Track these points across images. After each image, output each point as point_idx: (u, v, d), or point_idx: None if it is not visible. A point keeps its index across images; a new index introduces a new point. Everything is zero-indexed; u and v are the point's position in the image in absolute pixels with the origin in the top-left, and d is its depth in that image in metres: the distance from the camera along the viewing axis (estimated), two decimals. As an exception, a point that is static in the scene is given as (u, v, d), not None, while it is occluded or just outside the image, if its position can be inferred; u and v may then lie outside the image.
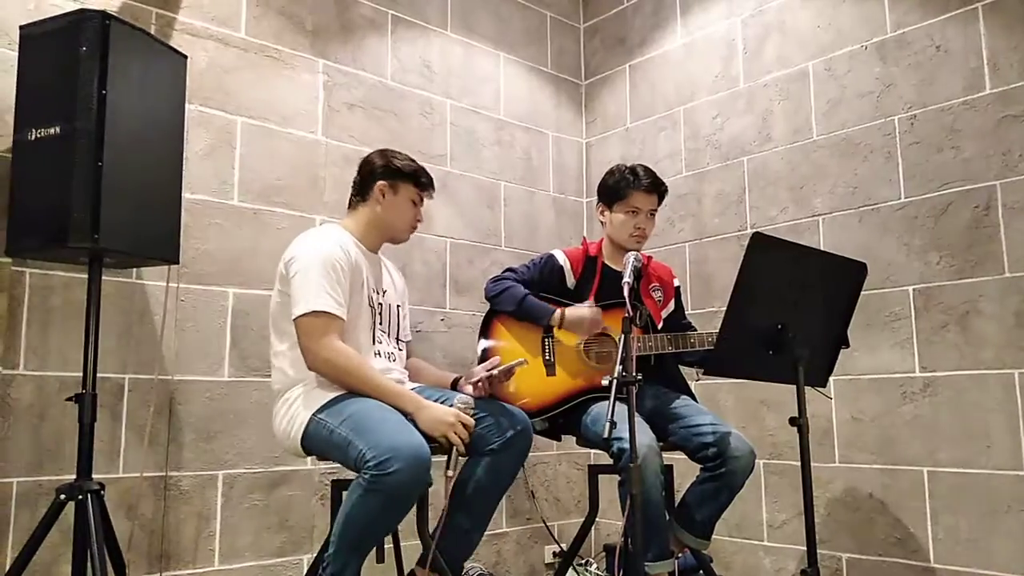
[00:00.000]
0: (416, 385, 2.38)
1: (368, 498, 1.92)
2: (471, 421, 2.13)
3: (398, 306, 2.49)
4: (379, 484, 1.88)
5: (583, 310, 2.52)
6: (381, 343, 2.36)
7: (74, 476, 2.16)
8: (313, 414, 2.13)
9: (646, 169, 2.65)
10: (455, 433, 2.09)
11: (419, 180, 2.42)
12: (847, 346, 2.36)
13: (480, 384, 2.31)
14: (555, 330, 2.56)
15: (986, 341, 2.73)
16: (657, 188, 2.64)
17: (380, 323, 2.38)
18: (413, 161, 2.44)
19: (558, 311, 2.52)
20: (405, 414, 2.10)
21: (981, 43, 2.82)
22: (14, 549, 2.32)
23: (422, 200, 2.45)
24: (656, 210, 2.67)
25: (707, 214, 3.61)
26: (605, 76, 4.17)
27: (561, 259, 2.66)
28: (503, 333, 2.60)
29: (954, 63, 2.88)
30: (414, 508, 2.10)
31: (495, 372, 2.31)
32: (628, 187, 2.61)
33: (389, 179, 2.38)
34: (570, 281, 2.65)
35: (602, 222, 2.70)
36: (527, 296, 2.55)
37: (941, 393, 2.82)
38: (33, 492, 2.41)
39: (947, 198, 2.86)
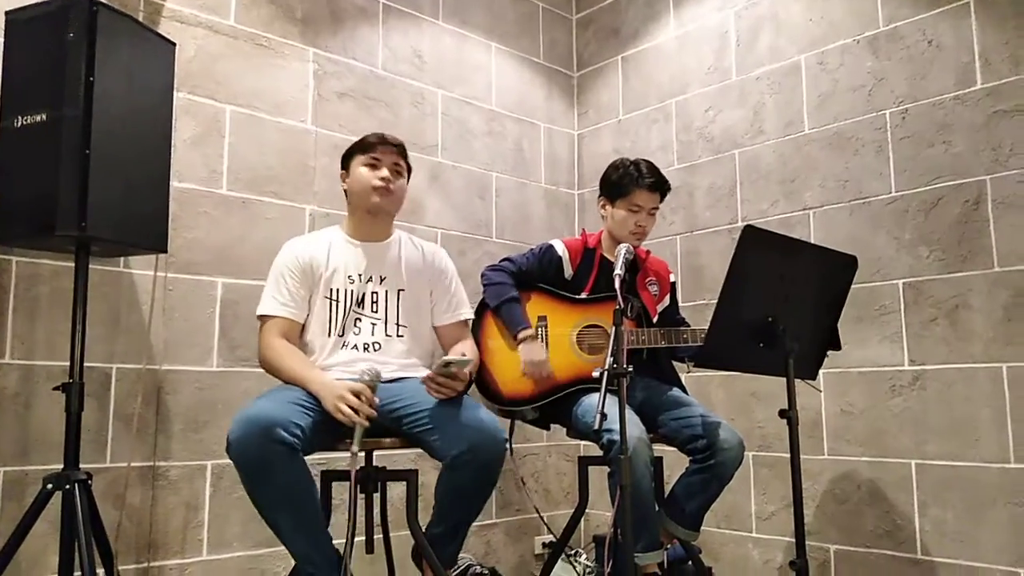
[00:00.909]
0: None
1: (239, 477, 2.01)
2: (359, 387, 2.07)
3: (400, 291, 2.41)
4: (231, 456, 1.96)
5: (540, 353, 2.50)
6: (359, 333, 2.33)
7: (61, 465, 2.15)
8: None
9: (650, 166, 2.62)
10: (347, 405, 2.04)
11: (362, 146, 2.39)
12: (838, 348, 2.37)
13: (427, 389, 2.15)
14: (548, 319, 2.57)
15: (975, 335, 2.74)
16: (660, 187, 2.62)
17: (372, 311, 2.35)
18: (369, 134, 2.43)
19: (524, 334, 2.51)
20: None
21: (973, 38, 2.82)
22: (1, 539, 2.30)
23: (379, 160, 2.37)
24: (658, 208, 2.66)
25: (698, 207, 3.61)
26: (597, 68, 4.16)
27: (560, 250, 2.66)
28: (495, 321, 2.60)
29: (946, 58, 2.88)
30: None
31: (432, 374, 2.13)
32: (631, 184, 2.59)
33: (344, 166, 2.46)
34: (568, 272, 2.65)
35: (603, 215, 2.70)
36: (509, 300, 2.55)
37: (930, 386, 2.83)
38: (20, 481, 2.39)
39: (937, 192, 2.86)
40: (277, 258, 2.39)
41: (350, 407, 2.04)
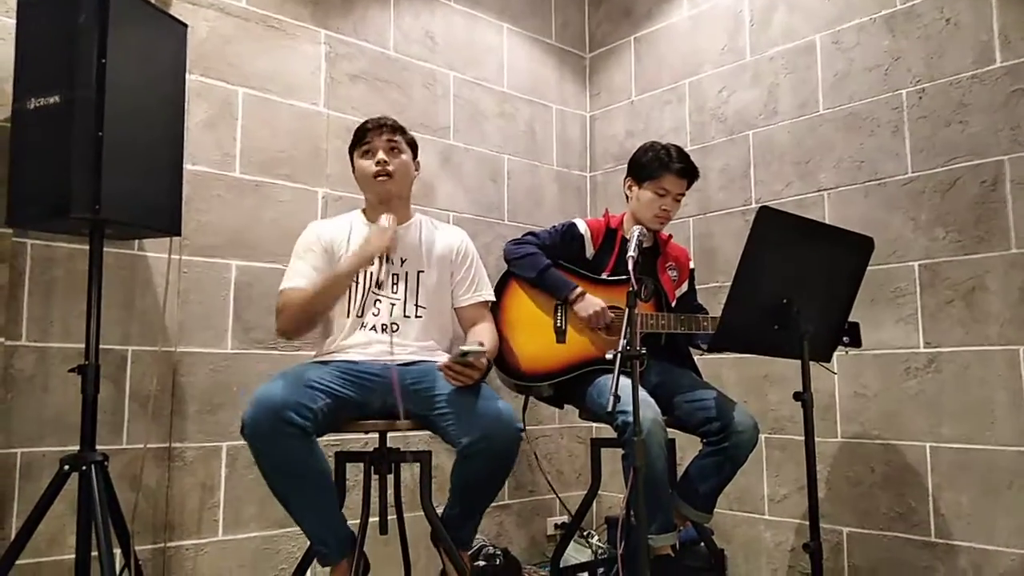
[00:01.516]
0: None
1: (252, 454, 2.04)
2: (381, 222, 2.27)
3: (419, 272, 2.40)
4: (245, 437, 2.00)
5: (596, 303, 2.50)
6: (377, 314, 2.32)
7: (78, 447, 2.17)
8: None
9: (680, 152, 2.62)
10: (374, 248, 2.21)
11: (356, 137, 2.42)
12: (859, 345, 2.35)
13: (444, 376, 2.15)
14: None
15: (991, 317, 2.72)
16: (689, 174, 2.62)
17: (391, 292, 2.35)
18: (362, 123, 2.45)
19: (577, 290, 2.51)
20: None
21: (992, 16, 2.77)
22: (19, 519, 2.33)
23: (372, 146, 2.38)
24: (683, 194, 2.65)
25: (712, 188, 3.58)
26: (610, 48, 4.12)
27: (582, 228, 2.65)
28: (519, 295, 2.59)
29: (964, 36, 2.84)
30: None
31: (449, 362, 2.13)
32: (660, 167, 2.58)
33: (350, 156, 2.47)
34: (589, 251, 2.64)
35: (628, 196, 2.68)
36: (550, 267, 2.55)
37: (945, 369, 2.81)
38: (37, 463, 2.42)
39: (954, 173, 2.83)
40: (300, 238, 2.42)
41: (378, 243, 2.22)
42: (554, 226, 2.68)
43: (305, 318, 2.31)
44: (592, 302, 2.50)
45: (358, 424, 2.23)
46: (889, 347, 2.95)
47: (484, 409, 2.10)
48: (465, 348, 2.12)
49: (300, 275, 2.33)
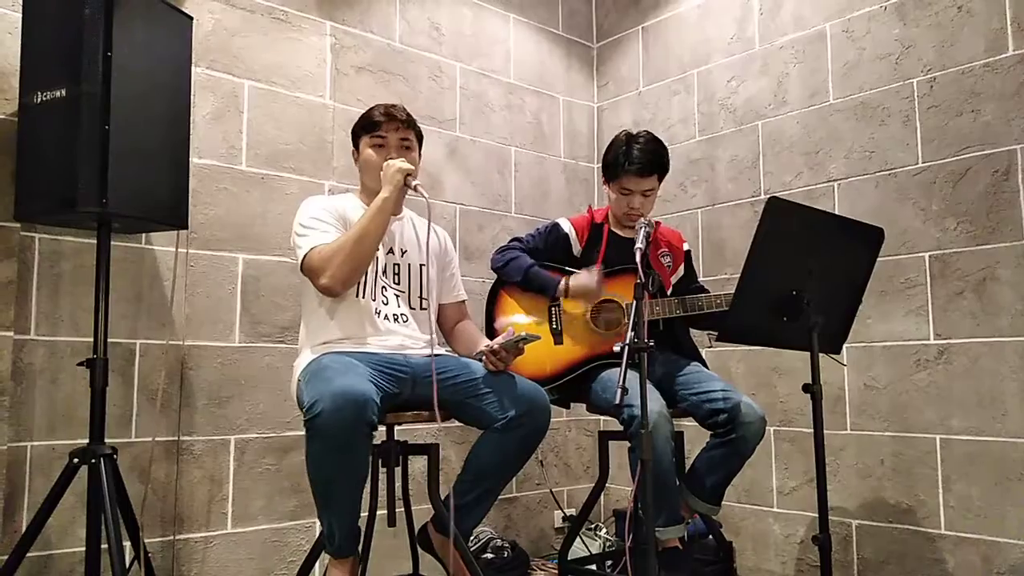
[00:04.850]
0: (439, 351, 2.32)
1: (309, 447, 1.94)
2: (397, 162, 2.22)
3: (421, 266, 2.38)
4: (310, 428, 1.89)
5: (584, 278, 2.49)
6: (387, 303, 2.30)
7: (87, 440, 2.18)
8: (299, 377, 2.15)
9: (643, 148, 2.53)
10: (399, 175, 2.18)
11: (368, 125, 2.32)
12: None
13: (485, 359, 2.21)
14: (561, 298, 2.55)
15: (1002, 308, 2.69)
16: (650, 170, 2.53)
17: (394, 283, 2.33)
18: (374, 109, 2.34)
19: (563, 282, 2.50)
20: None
21: (1005, 2, 2.74)
22: (29, 512, 2.34)
23: (385, 139, 2.30)
24: (653, 189, 2.58)
25: (720, 179, 3.56)
26: (617, 38, 4.10)
27: (566, 227, 2.64)
28: (510, 303, 2.60)
29: (976, 24, 2.81)
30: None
31: (496, 346, 2.18)
32: (618, 167, 2.54)
33: (354, 144, 2.41)
34: (576, 249, 2.63)
35: (606, 192, 2.67)
36: (533, 266, 2.54)
37: (956, 361, 2.79)
38: (47, 456, 2.43)
39: (966, 163, 2.80)
40: (306, 210, 2.26)
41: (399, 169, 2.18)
42: (538, 228, 2.68)
43: (359, 259, 2.15)
44: (582, 282, 2.48)
45: (395, 416, 2.21)
46: (899, 339, 2.93)
47: (524, 385, 2.20)
48: (523, 334, 2.17)
49: (324, 233, 2.18)
